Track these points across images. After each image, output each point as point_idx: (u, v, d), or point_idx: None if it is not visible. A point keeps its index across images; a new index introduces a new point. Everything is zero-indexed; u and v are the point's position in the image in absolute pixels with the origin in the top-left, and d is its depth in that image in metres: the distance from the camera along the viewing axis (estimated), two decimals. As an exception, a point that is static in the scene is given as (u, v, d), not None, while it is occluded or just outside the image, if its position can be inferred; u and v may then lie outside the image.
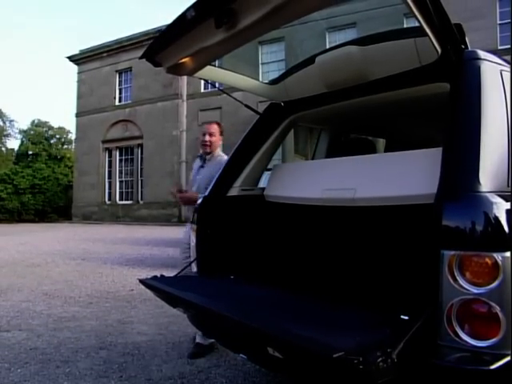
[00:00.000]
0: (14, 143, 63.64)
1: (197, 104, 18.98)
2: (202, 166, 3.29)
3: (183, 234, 3.30)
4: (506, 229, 1.27)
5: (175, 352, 3.14)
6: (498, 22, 13.38)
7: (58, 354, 3.03)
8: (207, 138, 3.23)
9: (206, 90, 18.16)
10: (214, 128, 3.28)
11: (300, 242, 2.23)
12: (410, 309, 1.41)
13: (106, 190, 21.67)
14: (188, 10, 1.63)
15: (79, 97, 22.66)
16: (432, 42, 1.59)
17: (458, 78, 1.65)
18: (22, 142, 29.48)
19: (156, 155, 19.66)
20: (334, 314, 1.60)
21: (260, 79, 2.81)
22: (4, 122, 29.19)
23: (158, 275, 2.25)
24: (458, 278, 1.29)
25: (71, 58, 22.83)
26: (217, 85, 3.13)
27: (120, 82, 21.56)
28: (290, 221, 2.34)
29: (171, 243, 10.08)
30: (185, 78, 17.45)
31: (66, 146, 30.00)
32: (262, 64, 17.37)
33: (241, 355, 2.11)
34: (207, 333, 2.18)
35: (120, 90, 21.55)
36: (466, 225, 1.29)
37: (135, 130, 20.64)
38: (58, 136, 30.13)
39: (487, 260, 1.26)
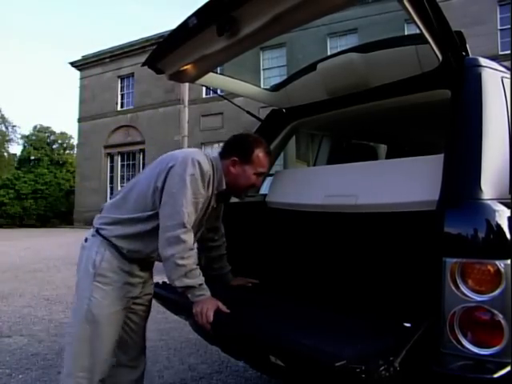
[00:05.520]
0: (16, 148, 63.96)
1: (198, 109, 19.03)
2: None
3: None
4: (508, 236, 1.27)
5: (176, 358, 3.13)
6: (499, 27, 13.41)
7: (60, 360, 3.02)
8: None
9: (208, 96, 18.21)
10: None
11: (302, 248, 2.22)
12: (412, 316, 1.40)
13: (108, 196, 21.67)
14: (190, 17, 1.64)
15: (81, 102, 22.75)
16: (433, 49, 1.59)
17: (459, 84, 1.65)
18: (24, 147, 29.52)
19: (158, 160, 19.70)
20: (335, 322, 1.59)
21: (262, 85, 2.83)
22: (6, 128, 29.17)
23: (160, 281, 2.25)
24: (460, 285, 1.29)
25: (73, 64, 22.94)
26: (218, 91, 3.13)
27: (122, 87, 21.63)
28: (292, 227, 2.33)
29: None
30: (186, 83, 17.52)
31: (68, 152, 30.02)
32: (264, 70, 17.42)
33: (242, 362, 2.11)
34: (208, 339, 2.17)
35: (122, 95, 21.62)
36: (468, 232, 1.29)
37: (137, 136, 20.69)
38: (60, 141, 30.17)
39: (489, 267, 1.25)
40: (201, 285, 1.63)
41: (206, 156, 1.73)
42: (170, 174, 1.65)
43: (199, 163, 1.65)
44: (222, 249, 2.12)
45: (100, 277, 1.68)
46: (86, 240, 1.81)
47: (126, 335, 1.87)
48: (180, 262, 1.58)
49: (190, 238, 1.63)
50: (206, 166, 1.68)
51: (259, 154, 1.81)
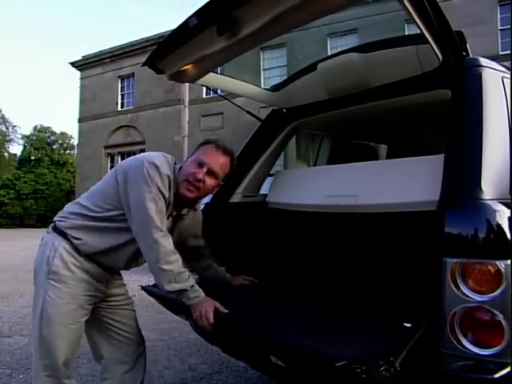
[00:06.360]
0: (16, 148, 64.07)
1: (199, 109, 19.01)
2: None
3: None
4: (509, 236, 1.27)
5: (177, 358, 3.13)
6: (499, 27, 13.40)
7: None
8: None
9: (208, 96, 18.20)
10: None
11: (302, 248, 2.22)
12: (412, 316, 1.40)
13: (108, 196, 21.65)
14: (190, 17, 1.63)
15: (82, 102, 22.74)
16: (433, 49, 1.60)
17: (460, 85, 1.65)
18: (25, 147, 29.57)
19: (158, 161, 19.71)
20: (336, 322, 1.59)
21: (262, 85, 2.82)
22: (7, 128, 29.22)
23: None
24: (460, 285, 1.28)
25: (74, 64, 22.94)
26: (218, 91, 3.12)
27: (122, 87, 21.62)
28: (292, 227, 2.34)
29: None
30: (187, 83, 17.51)
31: (68, 152, 30.08)
32: (264, 70, 17.41)
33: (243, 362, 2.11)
34: (209, 339, 2.17)
35: (122, 95, 21.61)
36: (469, 232, 1.29)
37: (137, 136, 20.68)
38: (60, 141, 30.22)
39: (490, 268, 1.25)
40: (193, 286, 1.61)
41: (166, 159, 1.67)
42: (130, 179, 1.61)
43: (156, 166, 1.60)
44: (206, 259, 2.03)
45: (53, 274, 1.63)
46: (42, 238, 1.77)
47: (115, 334, 1.85)
48: (165, 267, 1.55)
49: (167, 241, 1.59)
50: (164, 169, 1.62)
51: (206, 145, 1.74)
